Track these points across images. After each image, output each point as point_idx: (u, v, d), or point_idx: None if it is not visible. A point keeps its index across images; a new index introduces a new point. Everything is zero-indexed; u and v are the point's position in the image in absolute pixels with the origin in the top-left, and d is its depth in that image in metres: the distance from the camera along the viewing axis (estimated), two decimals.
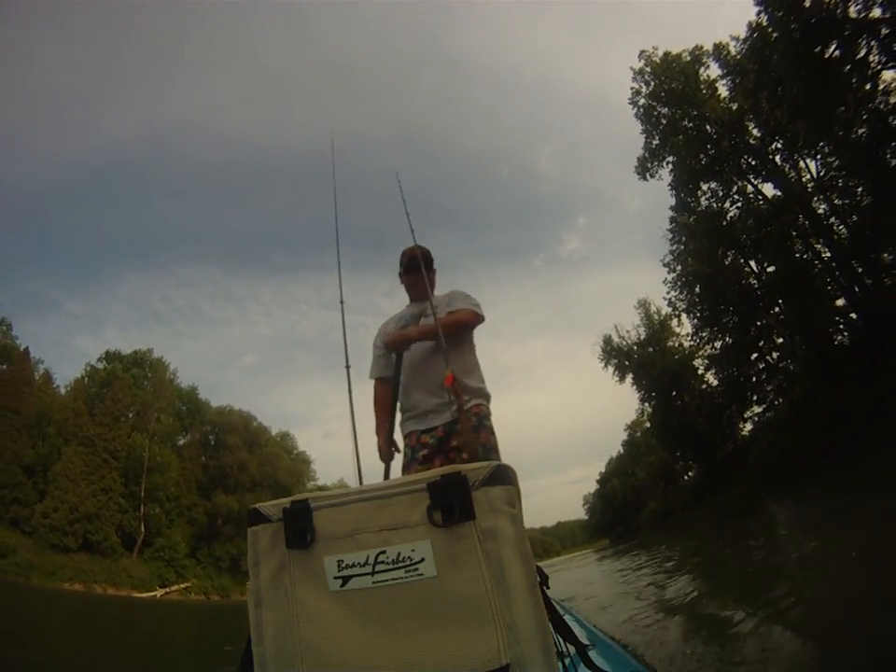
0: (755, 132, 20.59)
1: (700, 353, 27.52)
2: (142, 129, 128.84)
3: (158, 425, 36.88)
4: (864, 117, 15.28)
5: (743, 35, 19.47)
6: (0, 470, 29.04)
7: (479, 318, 2.41)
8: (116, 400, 35.14)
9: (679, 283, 24.97)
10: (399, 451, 2.29)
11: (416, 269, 2.38)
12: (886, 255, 16.14)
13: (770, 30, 17.14)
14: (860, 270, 17.39)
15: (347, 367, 2.18)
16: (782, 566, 5.44)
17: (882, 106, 14.89)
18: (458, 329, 2.32)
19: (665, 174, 23.65)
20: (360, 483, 1.89)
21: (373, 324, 2.61)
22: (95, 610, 19.69)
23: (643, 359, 31.85)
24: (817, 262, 19.19)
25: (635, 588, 7.56)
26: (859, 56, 14.88)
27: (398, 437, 2.36)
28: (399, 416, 2.37)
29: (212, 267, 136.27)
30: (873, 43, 14.44)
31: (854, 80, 14.85)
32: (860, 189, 16.16)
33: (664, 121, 22.64)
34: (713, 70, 22.21)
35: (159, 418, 37.30)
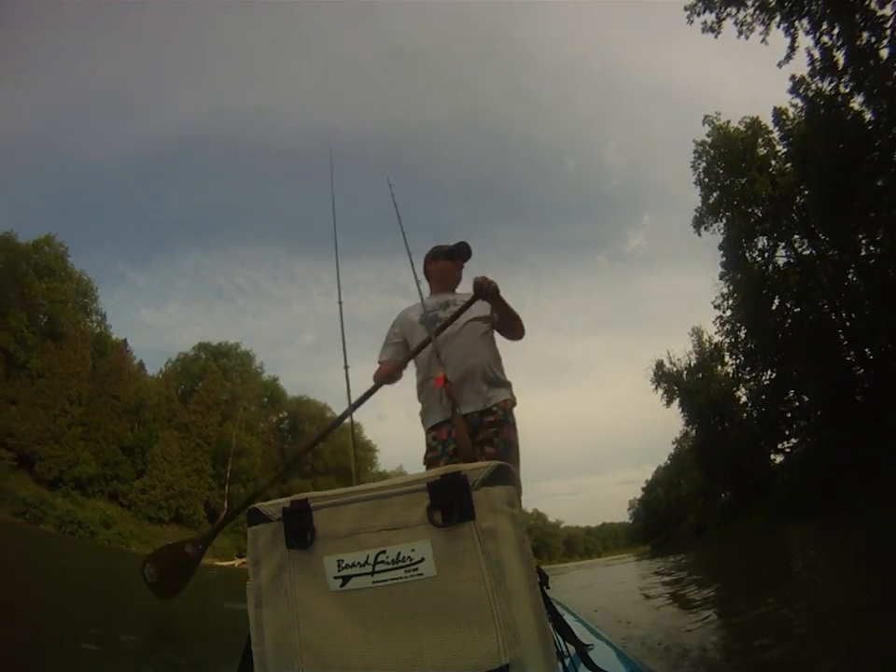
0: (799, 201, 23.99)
1: (742, 385, 30.78)
2: (212, 112, 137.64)
3: (245, 413, 42.85)
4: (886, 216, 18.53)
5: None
6: (103, 450, 34.07)
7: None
8: (208, 391, 41.19)
9: (725, 326, 28.80)
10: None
11: (462, 258, 2.53)
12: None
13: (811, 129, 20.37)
14: (880, 340, 20.28)
15: (346, 367, 2.15)
16: (780, 582, 6.64)
17: None
18: (514, 335, 2.48)
19: (718, 228, 27.46)
20: (357, 482, 1.79)
21: None
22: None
23: (690, 386, 35.13)
24: (839, 324, 22.38)
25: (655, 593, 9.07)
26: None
27: (419, 433, 2.40)
28: (419, 407, 2.46)
29: (274, 247, 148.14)
30: None
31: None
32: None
33: (721, 181, 26.47)
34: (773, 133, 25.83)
35: (246, 407, 43.33)
